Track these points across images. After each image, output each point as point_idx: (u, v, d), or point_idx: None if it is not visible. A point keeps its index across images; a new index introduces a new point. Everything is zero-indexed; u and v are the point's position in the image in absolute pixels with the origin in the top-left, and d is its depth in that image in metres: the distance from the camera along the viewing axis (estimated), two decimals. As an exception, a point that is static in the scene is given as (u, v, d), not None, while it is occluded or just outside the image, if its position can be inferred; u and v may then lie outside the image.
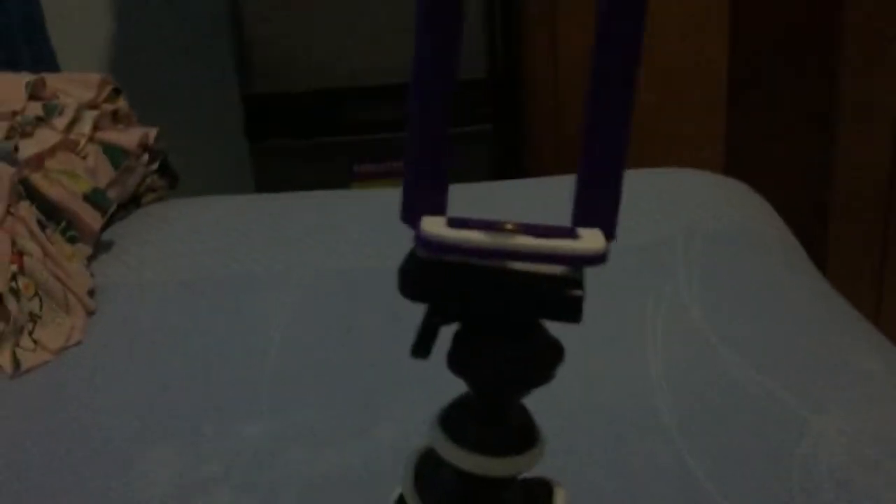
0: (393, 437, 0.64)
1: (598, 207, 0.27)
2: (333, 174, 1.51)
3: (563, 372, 0.57)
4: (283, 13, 1.49)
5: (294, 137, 1.52)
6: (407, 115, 0.29)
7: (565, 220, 0.28)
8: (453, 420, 0.28)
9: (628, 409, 0.66)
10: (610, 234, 0.27)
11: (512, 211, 0.90)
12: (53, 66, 1.66)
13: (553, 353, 0.27)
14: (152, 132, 1.09)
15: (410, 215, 0.26)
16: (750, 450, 0.61)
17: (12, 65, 1.46)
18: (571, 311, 0.26)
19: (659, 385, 0.68)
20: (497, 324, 0.27)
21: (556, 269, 0.26)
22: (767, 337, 0.74)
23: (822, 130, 1.51)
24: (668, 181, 1.10)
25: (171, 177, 1.13)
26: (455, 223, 0.25)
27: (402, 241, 0.91)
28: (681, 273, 0.85)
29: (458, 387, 0.31)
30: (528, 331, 0.27)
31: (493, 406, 0.28)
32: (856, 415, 0.64)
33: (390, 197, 1.15)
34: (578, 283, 0.26)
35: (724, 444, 0.62)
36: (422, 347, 0.27)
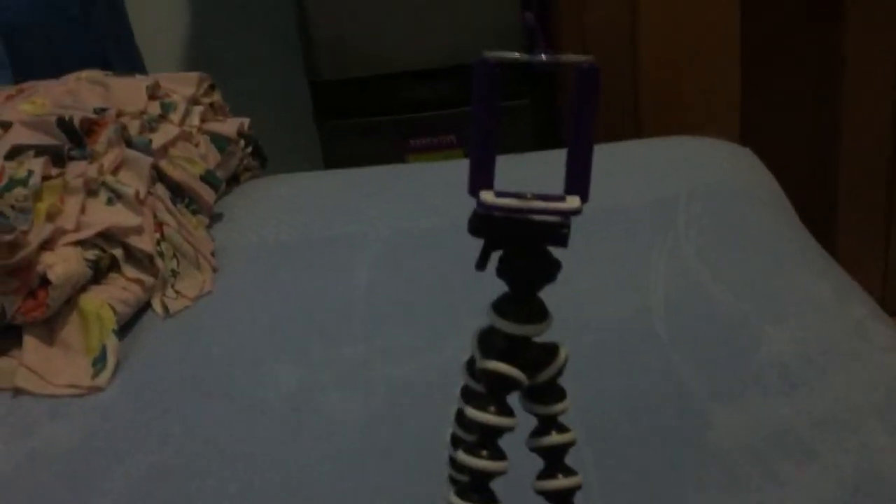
0: (457, 352, 0.87)
1: (577, 183, 0.48)
2: (391, 149, 1.74)
3: (580, 295, 0.80)
4: (342, 5, 1.70)
5: (356, 118, 1.74)
6: (470, 127, 0.50)
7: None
8: (499, 305, 0.51)
9: (631, 328, 0.88)
10: (585, 198, 0.48)
11: (543, 178, 1.10)
12: (138, 62, 1.90)
13: (555, 265, 0.49)
14: (246, 121, 1.33)
15: (474, 190, 0.48)
16: (722, 353, 0.83)
17: (105, 63, 1.70)
18: (563, 241, 0.48)
19: (656, 307, 0.90)
20: (522, 249, 0.49)
21: (554, 218, 0.48)
22: (745, 271, 0.96)
23: (829, 104, 1.68)
24: (680, 148, 1.31)
25: (261, 158, 1.36)
26: (499, 194, 0.47)
27: (451, 205, 1.19)
28: (681, 224, 1.06)
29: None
30: (542, 253, 0.49)
31: (523, 296, 0.50)
32: (803, 327, 0.85)
33: (441, 168, 1.38)
34: (566, 226, 0.48)
35: (702, 349, 0.84)
36: (481, 264, 0.50)
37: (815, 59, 1.68)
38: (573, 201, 0.48)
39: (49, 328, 0.93)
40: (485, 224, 0.48)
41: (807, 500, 0.66)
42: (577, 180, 0.48)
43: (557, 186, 0.48)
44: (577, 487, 0.52)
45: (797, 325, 0.85)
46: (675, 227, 1.06)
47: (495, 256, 0.50)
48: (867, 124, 1.68)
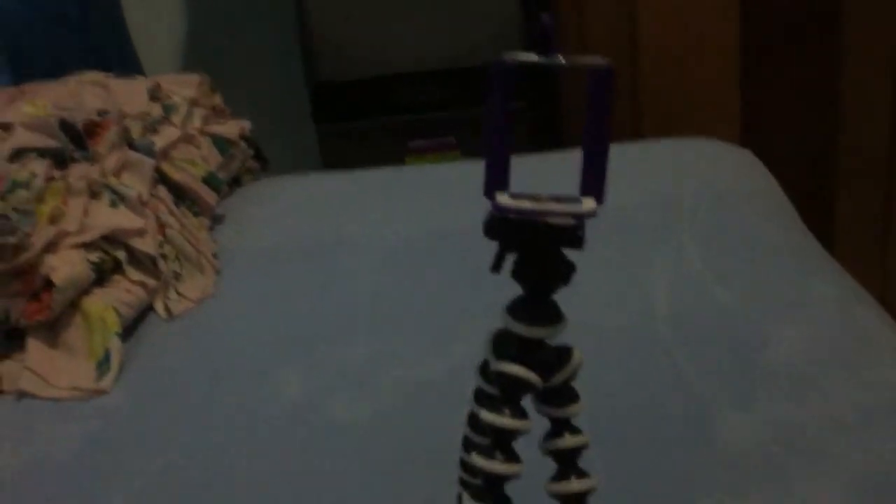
0: (466, 354, 0.87)
1: (592, 185, 0.48)
2: (390, 151, 1.74)
3: (586, 301, 0.81)
4: (342, 8, 1.71)
5: (355, 120, 1.74)
6: (483, 136, 0.50)
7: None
8: (514, 308, 0.51)
9: (636, 332, 0.89)
10: (600, 201, 0.48)
11: (547, 179, 1.11)
12: (137, 64, 1.90)
13: (570, 267, 0.49)
14: (246, 124, 1.33)
15: (489, 193, 0.48)
16: (729, 356, 0.84)
17: (104, 66, 1.70)
18: (578, 243, 0.48)
19: (661, 311, 0.90)
20: (538, 251, 0.49)
21: (570, 221, 0.48)
22: (749, 274, 0.96)
23: (828, 106, 1.69)
24: (681, 150, 1.31)
25: (262, 160, 1.36)
26: (514, 196, 0.47)
27: (454, 207, 1.19)
28: (685, 227, 1.06)
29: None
30: (557, 255, 0.49)
31: (538, 299, 0.50)
32: (809, 329, 0.85)
33: (442, 170, 1.38)
34: (582, 228, 0.48)
35: (709, 353, 0.84)
36: (496, 267, 0.50)
37: (814, 61, 1.69)
38: (589, 203, 0.48)
39: (53, 331, 0.93)
40: (500, 226, 0.49)
41: (815, 502, 0.66)
42: (593, 182, 0.48)
43: (557, 188, 0.48)
44: (592, 490, 0.52)
45: (804, 328, 0.86)
46: (678, 230, 1.06)
47: (509, 259, 0.50)
48: (866, 127, 1.69)
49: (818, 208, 1.52)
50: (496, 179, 0.48)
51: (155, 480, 0.76)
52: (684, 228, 1.06)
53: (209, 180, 1.19)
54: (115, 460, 0.80)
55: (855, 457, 0.69)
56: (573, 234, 0.48)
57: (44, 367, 0.90)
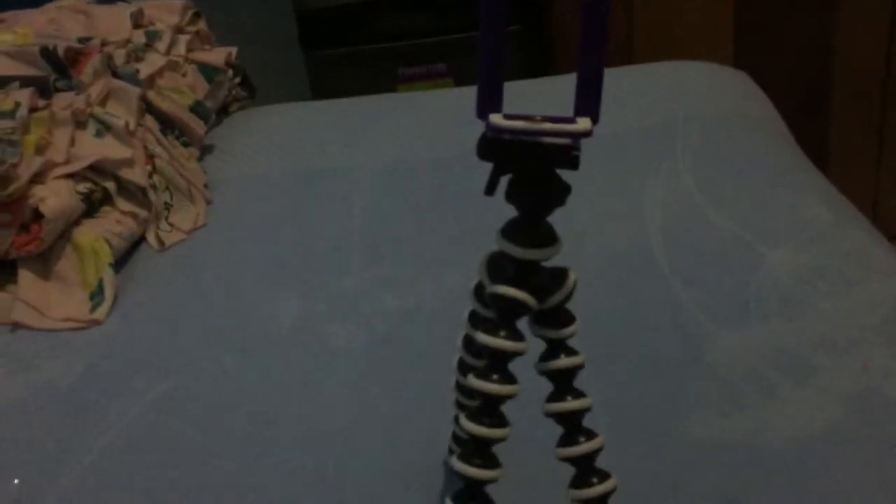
0: (458, 279, 0.87)
1: (587, 105, 0.48)
2: (380, 78, 1.72)
3: (579, 224, 0.81)
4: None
5: (343, 47, 1.71)
6: (477, 51, 0.49)
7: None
8: (509, 230, 0.50)
9: (630, 255, 0.89)
10: (595, 120, 0.48)
11: (540, 104, 1.10)
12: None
13: (564, 189, 0.49)
14: (234, 51, 1.30)
15: (482, 113, 0.47)
16: (722, 279, 0.84)
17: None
18: (574, 164, 0.47)
19: (655, 235, 0.90)
20: (532, 173, 0.48)
21: (565, 141, 0.47)
22: (743, 196, 0.96)
23: (822, 28, 1.66)
24: (675, 73, 1.30)
25: (250, 88, 1.34)
26: (508, 117, 0.47)
27: (445, 134, 1.18)
28: (679, 149, 1.05)
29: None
30: (552, 176, 0.49)
31: (533, 221, 0.50)
32: (802, 250, 0.86)
33: (433, 97, 1.36)
34: (577, 148, 0.47)
35: (702, 274, 0.85)
36: (490, 189, 0.49)
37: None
38: (584, 123, 0.47)
39: (44, 262, 0.92)
40: (494, 148, 0.48)
41: (805, 418, 0.67)
42: (588, 101, 0.48)
43: (550, 112, 0.48)
44: (587, 409, 0.53)
45: (796, 249, 0.86)
46: (672, 153, 1.05)
47: (503, 181, 0.50)
48: (860, 47, 1.67)
49: (812, 130, 1.51)
50: (489, 99, 0.47)
51: (154, 408, 0.77)
52: (679, 151, 1.05)
53: (196, 109, 1.17)
54: (114, 388, 0.80)
55: (845, 375, 0.70)
56: (568, 155, 0.48)
57: (37, 298, 0.90)
